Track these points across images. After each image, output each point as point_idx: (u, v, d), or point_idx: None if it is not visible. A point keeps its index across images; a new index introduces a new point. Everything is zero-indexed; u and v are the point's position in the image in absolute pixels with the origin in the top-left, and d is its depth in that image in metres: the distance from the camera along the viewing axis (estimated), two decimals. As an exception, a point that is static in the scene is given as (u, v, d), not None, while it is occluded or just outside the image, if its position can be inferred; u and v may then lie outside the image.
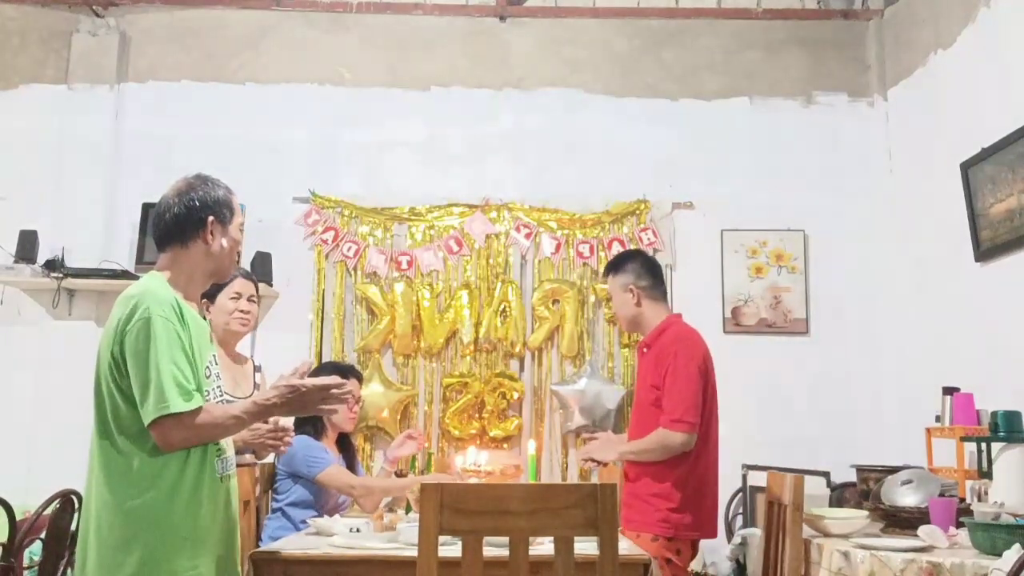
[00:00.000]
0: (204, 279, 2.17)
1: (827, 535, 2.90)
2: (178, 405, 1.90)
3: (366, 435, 4.61)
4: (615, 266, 3.32)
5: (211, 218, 2.11)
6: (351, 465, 3.54)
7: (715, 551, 4.57)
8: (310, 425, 3.37)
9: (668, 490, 3.02)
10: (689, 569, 3.10)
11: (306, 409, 2.12)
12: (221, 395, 2.14)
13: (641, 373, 3.30)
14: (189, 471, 1.97)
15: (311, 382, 2.08)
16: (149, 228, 2.35)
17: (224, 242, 2.14)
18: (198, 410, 1.95)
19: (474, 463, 3.39)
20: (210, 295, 3.13)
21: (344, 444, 3.57)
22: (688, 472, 3.04)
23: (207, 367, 2.07)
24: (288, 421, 2.89)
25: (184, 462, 1.97)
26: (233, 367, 3.23)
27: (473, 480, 3.18)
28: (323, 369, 3.71)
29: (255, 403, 2.05)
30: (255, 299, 3.26)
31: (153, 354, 1.92)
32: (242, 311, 3.18)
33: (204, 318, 2.18)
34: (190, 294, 2.12)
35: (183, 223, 2.10)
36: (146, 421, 1.91)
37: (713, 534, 3.14)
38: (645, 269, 3.29)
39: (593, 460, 3.27)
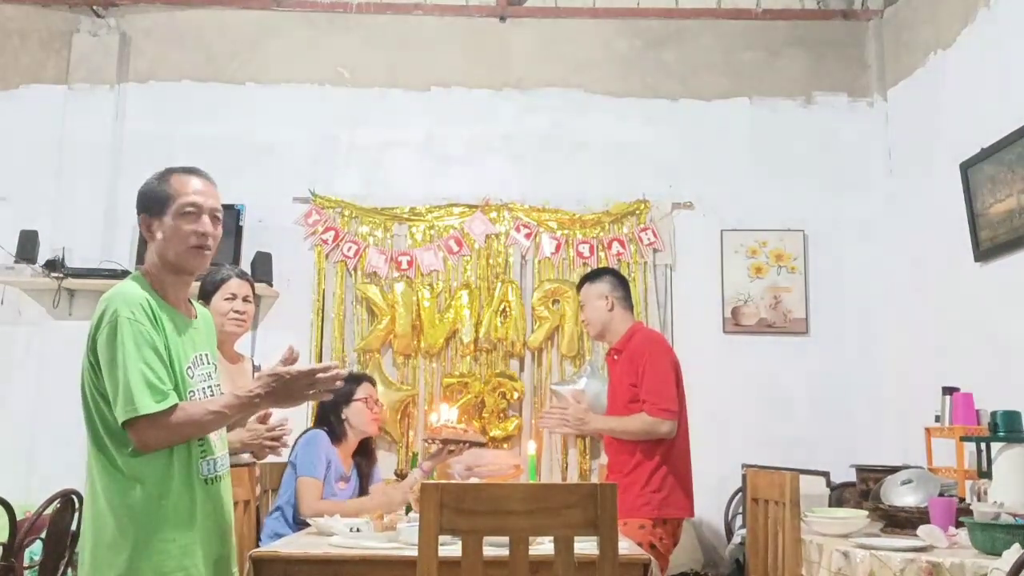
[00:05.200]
0: (171, 274, 2.07)
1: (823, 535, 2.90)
2: (147, 406, 1.87)
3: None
4: (592, 277, 3.60)
5: (142, 215, 2.07)
6: (368, 476, 3.47)
7: (715, 551, 4.58)
8: (328, 427, 3.35)
9: (647, 475, 3.27)
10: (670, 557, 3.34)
11: (293, 398, 2.01)
12: (212, 395, 2.09)
13: (615, 378, 3.52)
14: (174, 473, 1.94)
15: (295, 369, 1.99)
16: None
17: (162, 234, 2.04)
18: (172, 409, 1.90)
19: (447, 420, 3.55)
20: (205, 295, 3.13)
21: (363, 452, 3.47)
22: (665, 456, 3.29)
23: (189, 368, 2.02)
24: (281, 416, 2.88)
25: (167, 464, 1.94)
26: (230, 367, 3.23)
27: (448, 433, 3.38)
28: None
29: (236, 396, 1.99)
30: (251, 299, 3.24)
31: (120, 356, 1.89)
32: (237, 311, 3.17)
33: (196, 316, 2.14)
34: (167, 292, 2.06)
35: (139, 223, 2.09)
36: (119, 423, 1.90)
37: (692, 513, 3.39)
38: (619, 281, 3.59)
39: (564, 423, 3.45)
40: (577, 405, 3.48)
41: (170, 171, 2.09)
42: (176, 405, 1.92)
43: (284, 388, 1.98)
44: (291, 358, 2.03)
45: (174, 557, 1.92)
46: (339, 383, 2.03)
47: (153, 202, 2.06)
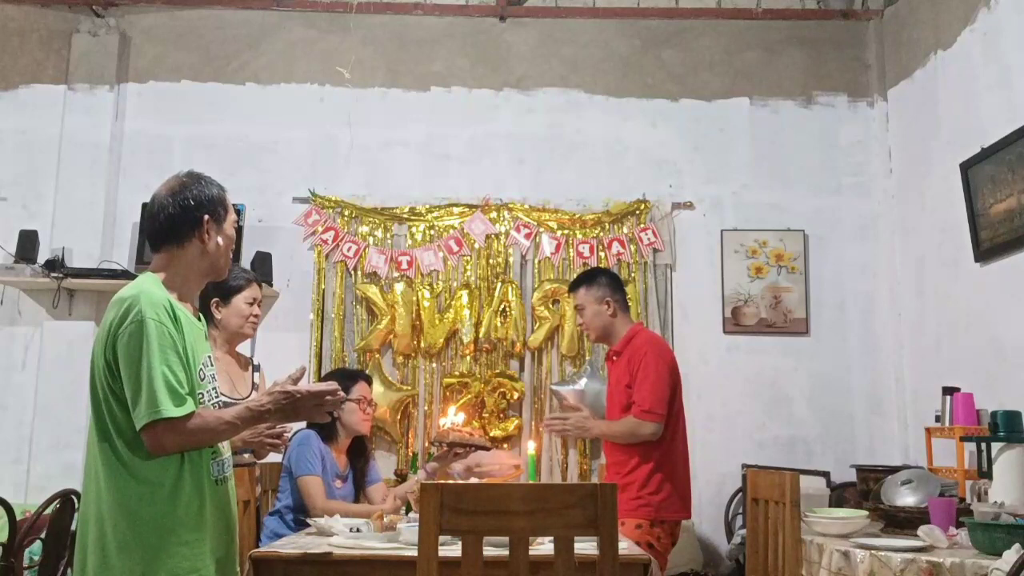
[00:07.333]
0: (200, 278, 2.13)
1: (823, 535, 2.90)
2: (170, 410, 1.88)
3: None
4: (588, 280, 3.53)
5: (206, 217, 2.07)
6: (364, 472, 3.47)
7: (715, 551, 4.58)
8: (319, 427, 3.34)
9: (644, 477, 3.27)
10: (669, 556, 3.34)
11: (299, 416, 2.09)
12: (217, 396, 2.11)
13: (613, 380, 3.51)
14: (186, 474, 1.96)
15: (305, 388, 2.05)
16: (143, 228, 2.31)
17: (220, 240, 2.11)
18: (190, 415, 1.92)
19: (452, 423, 3.61)
20: (223, 296, 3.15)
21: (358, 450, 3.47)
22: (662, 458, 3.28)
23: (201, 369, 2.04)
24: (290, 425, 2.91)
25: (180, 465, 1.95)
26: (233, 368, 3.25)
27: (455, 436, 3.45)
28: (331, 376, 3.68)
29: (248, 408, 2.02)
30: (261, 303, 3.32)
31: (146, 358, 1.89)
32: (255, 315, 3.25)
33: (200, 319, 2.15)
34: (185, 294, 2.09)
35: (178, 223, 2.06)
36: (138, 425, 1.89)
37: (689, 515, 3.41)
38: (616, 283, 3.55)
39: (565, 431, 3.48)
40: (578, 413, 3.48)
41: (221, 185, 2.17)
42: (194, 411, 1.94)
43: (293, 405, 2.05)
44: (299, 376, 2.11)
45: (187, 558, 1.93)
46: (343, 406, 2.12)
47: (222, 208, 2.12)
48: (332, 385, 2.09)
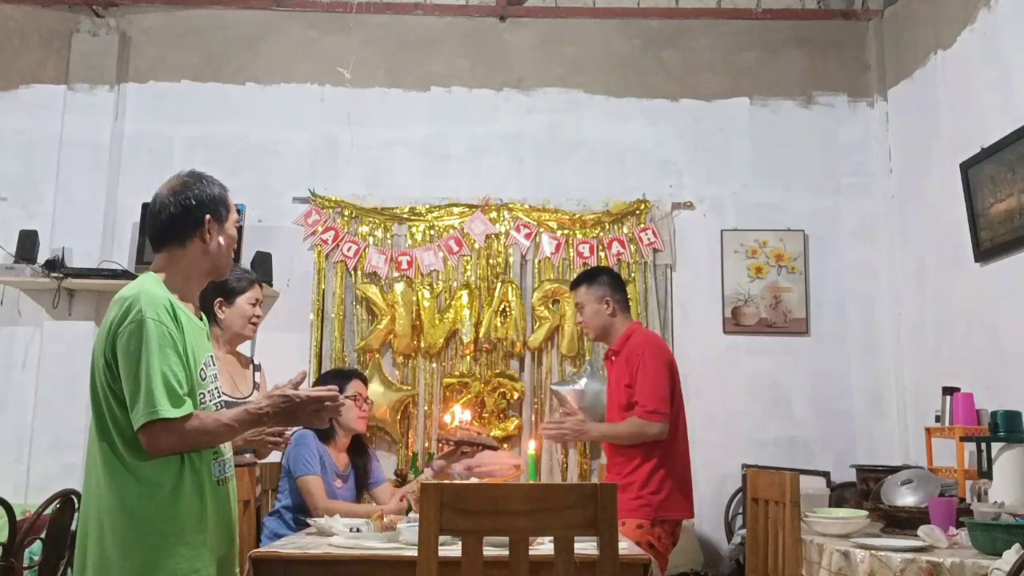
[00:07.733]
0: (201, 278, 2.13)
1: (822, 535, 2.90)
2: (167, 411, 1.88)
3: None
4: (589, 279, 3.53)
5: (208, 216, 2.08)
6: (366, 471, 3.46)
7: (715, 551, 4.59)
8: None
9: (645, 476, 3.26)
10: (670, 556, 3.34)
11: (298, 420, 2.09)
12: (219, 396, 2.11)
13: (612, 379, 3.51)
14: (187, 474, 1.96)
15: (304, 393, 2.06)
16: (145, 227, 2.31)
17: (221, 240, 2.11)
18: (188, 416, 1.92)
19: (460, 420, 3.63)
20: (227, 296, 3.16)
21: (358, 449, 3.47)
22: (664, 457, 3.28)
23: (202, 369, 2.04)
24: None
25: (181, 466, 1.95)
26: (235, 367, 3.26)
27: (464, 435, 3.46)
28: (325, 377, 3.68)
29: (247, 411, 2.03)
30: (262, 303, 3.33)
31: (145, 357, 1.89)
32: (257, 316, 3.27)
33: (202, 318, 2.16)
34: (187, 294, 2.09)
35: (180, 222, 2.06)
36: (135, 425, 1.89)
37: (691, 514, 3.40)
38: (617, 283, 3.55)
39: (563, 436, 3.47)
40: (573, 417, 3.44)
41: (223, 185, 2.18)
42: (192, 413, 1.94)
43: (292, 409, 2.05)
44: (299, 381, 2.11)
45: (187, 559, 1.93)
46: (341, 409, 2.15)
47: (223, 208, 2.13)
48: (332, 390, 2.09)
